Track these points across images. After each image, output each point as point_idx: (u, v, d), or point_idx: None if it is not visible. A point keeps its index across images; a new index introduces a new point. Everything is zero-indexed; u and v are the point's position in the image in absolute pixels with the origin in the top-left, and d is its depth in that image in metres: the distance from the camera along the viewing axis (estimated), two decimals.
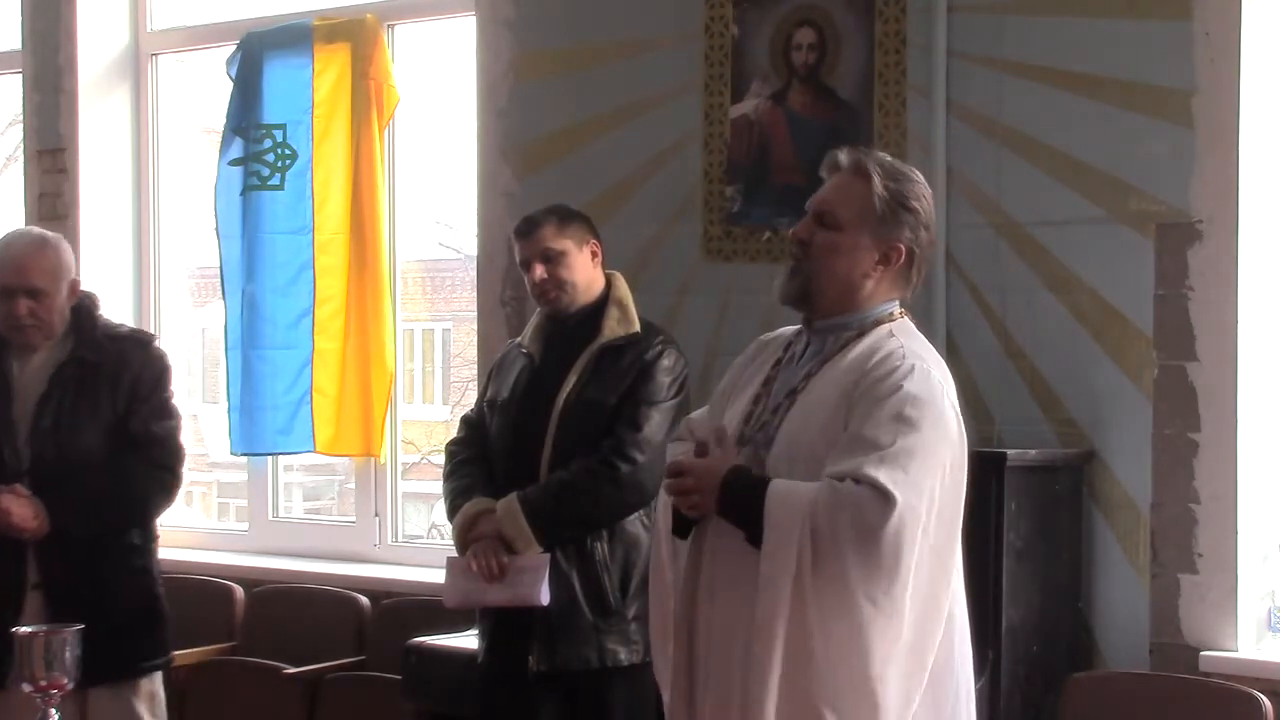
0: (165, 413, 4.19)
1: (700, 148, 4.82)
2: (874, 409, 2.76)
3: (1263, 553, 4.10)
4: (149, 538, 4.24)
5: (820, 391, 2.84)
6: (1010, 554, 3.95)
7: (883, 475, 2.68)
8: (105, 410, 4.09)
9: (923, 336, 2.96)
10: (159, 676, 4.24)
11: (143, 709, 4.16)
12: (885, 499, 2.68)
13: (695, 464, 2.83)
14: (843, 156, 2.94)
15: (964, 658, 2.89)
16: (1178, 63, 4.09)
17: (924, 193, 2.93)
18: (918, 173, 2.99)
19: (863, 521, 2.68)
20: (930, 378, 2.81)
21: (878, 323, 2.90)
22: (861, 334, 2.89)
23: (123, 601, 4.08)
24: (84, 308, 4.18)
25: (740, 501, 2.79)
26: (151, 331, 4.37)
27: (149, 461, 4.12)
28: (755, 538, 2.76)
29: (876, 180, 2.88)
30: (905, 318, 2.95)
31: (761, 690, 2.73)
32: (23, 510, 3.96)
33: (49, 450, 4.04)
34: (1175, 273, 4.10)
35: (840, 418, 2.79)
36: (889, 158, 2.98)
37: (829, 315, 2.92)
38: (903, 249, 2.89)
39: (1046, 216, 4.28)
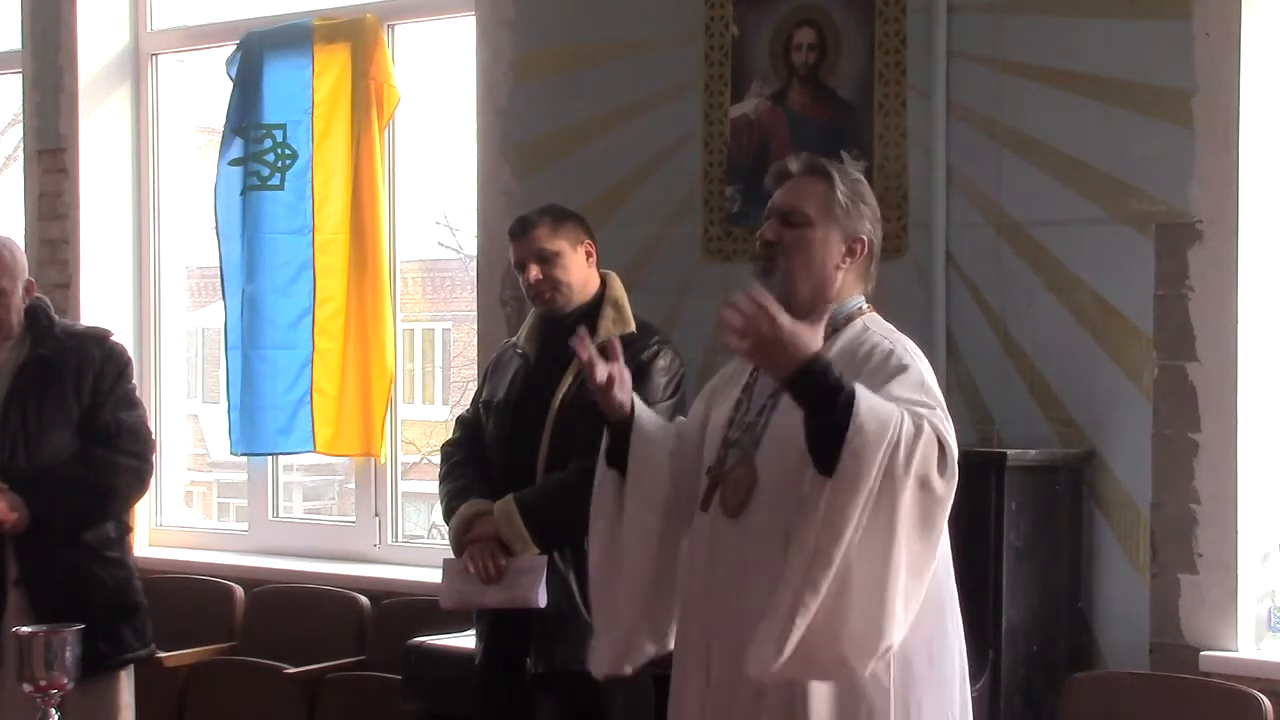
0: (131, 403, 4.22)
1: (700, 148, 4.82)
2: (892, 378, 2.77)
3: (1263, 553, 4.10)
4: (124, 529, 4.26)
5: None
6: (1010, 554, 3.95)
7: (942, 427, 2.70)
8: (71, 406, 4.10)
9: (892, 326, 3.00)
10: (132, 670, 4.26)
11: (125, 700, 4.19)
12: (945, 455, 2.69)
13: (792, 322, 2.66)
14: (791, 163, 3.02)
15: (959, 637, 2.93)
16: (1178, 63, 4.09)
17: (870, 190, 3.04)
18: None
19: (926, 459, 2.66)
20: (923, 360, 2.88)
21: (849, 318, 2.96)
22: (836, 330, 2.93)
23: (103, 594, 4.10)
24: (39, 307, 4.20)
25: (820, 386, 2.65)
26: (107, 328, 4.38)
27: (121, 452, 4.13)
28: (819, 429, 2.66)
29: (836, 178, 2.97)
30: (873, 311, 3.01)
31: (796, 614, 2.62)
32: (0, 503, 3.96)
33: (19, 448, 4.05)
34: (1175, 273, 4.10)
35: None
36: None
37: (805, 314, 2.92)
38: (866, 241, 2.97)
39: (1046, 216, 4.28)
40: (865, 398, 2.65)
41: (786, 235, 2.95)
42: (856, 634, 2.65)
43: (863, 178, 3.07)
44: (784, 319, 2.66)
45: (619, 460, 3.03)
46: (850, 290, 2.98)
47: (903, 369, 2.81)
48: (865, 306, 3.00)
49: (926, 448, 2.66)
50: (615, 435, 3.03)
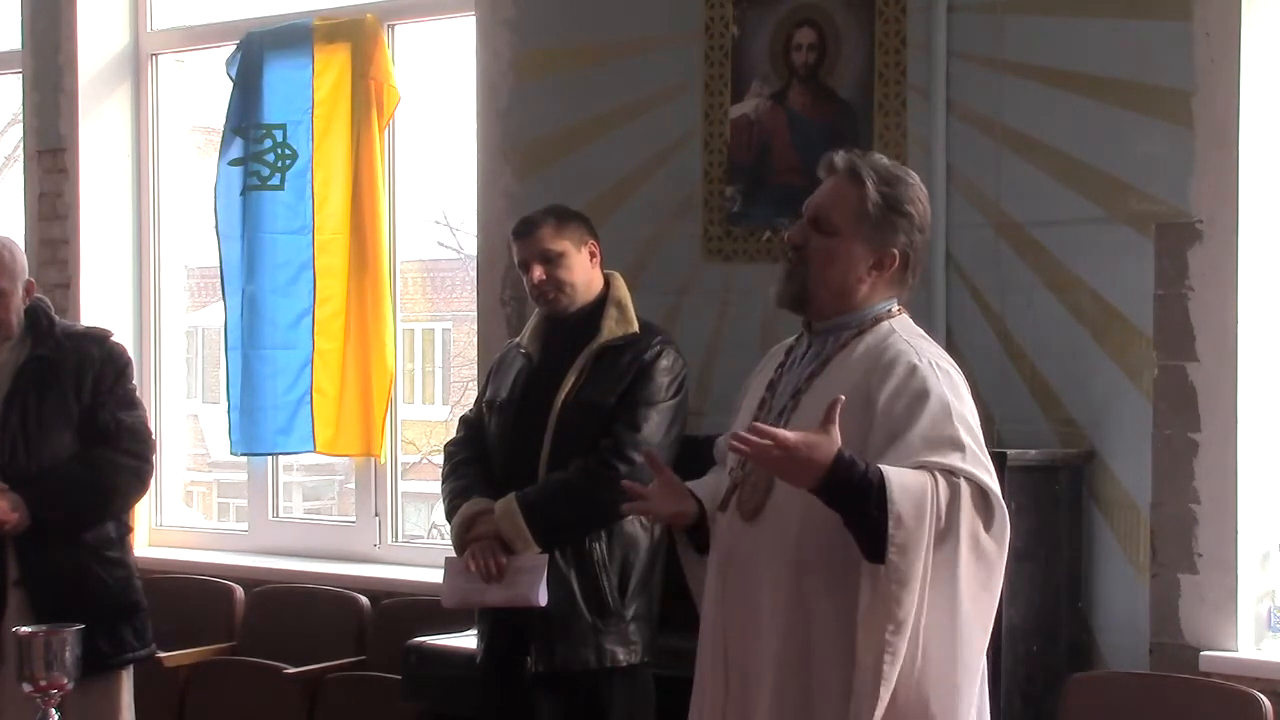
0: (131, 403, 4.22)
1: (700, 148, 4.82)
2: (914, 416, 2.75)
3: (1263, 553, 4.10)
4: (124, 529, 4.26)
5: (826, 391, 2.82)
6: (1010, 554, 3.93)
7: (979, 473, 2.72)
8: (71, 406, 4.11)
9: (923, 332, 2.97)
10: (132, 670, 4.26)
11: (125, 700, 4.20)
12: (986, 498, 2.72)
13: (803, 436, 2.65)
14: (838, 159, 2.95)
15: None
16: (1178, 63, 4.09)
17: (919, 195, 2.93)
18: (913, 174, 2.99)
19: (973, 520, 2.70)
20: (950, 376, 2.84)
21: (877, 320, 2.91)
22: (861, 332, 2.90)
23: (104, 594, 4.10)
24: (39, 308, 4.21)
25: (848, 486, 2.65)
26: (107, 328, 4.39)
27: (121, 451, 4.13)
28: (856, 523, 2.69)
29: (870, 186, 2.88)
30: (904, 314, 2.96)
31: (879, 688, 2.68)
32: (1, 504, 3.96)
33: (20, 449, 4.06)
34: (1175, 273, 4.10)
35: (852, 415, 2.75)
36: (885, 160, 2.97)
37: (827, 316, 2.93)
38: (896, 255, 2.90)
39: (1046, 216, 4.28)
40: (896, 482, 2.65)
41: (812, 241, 2.90)
42: (939, 696, 2.72)
43: (908, 178, 2.95)
44: (792, 439, 2.64)
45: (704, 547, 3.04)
46: (878, 296, 2.92)
47: (924, 396, 2.76)
48: (895, 309, 2.94)
49: (967, 510, 2.69)
50: (695, 533, 3.04)
